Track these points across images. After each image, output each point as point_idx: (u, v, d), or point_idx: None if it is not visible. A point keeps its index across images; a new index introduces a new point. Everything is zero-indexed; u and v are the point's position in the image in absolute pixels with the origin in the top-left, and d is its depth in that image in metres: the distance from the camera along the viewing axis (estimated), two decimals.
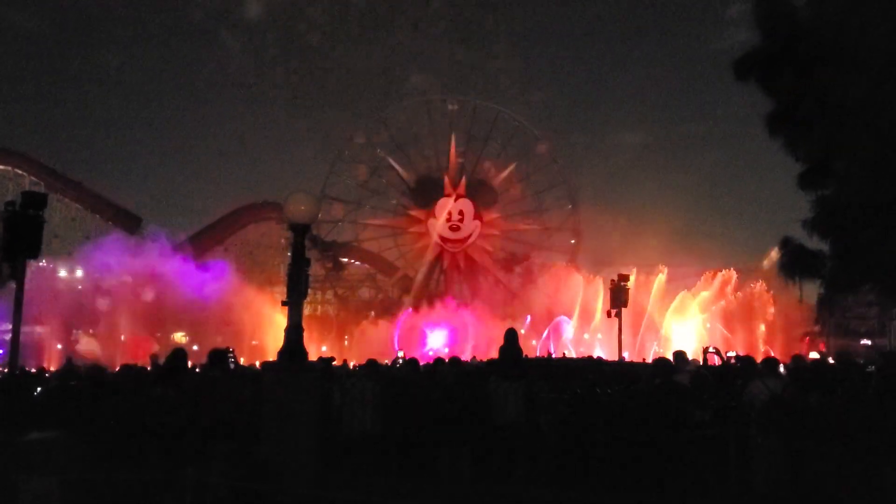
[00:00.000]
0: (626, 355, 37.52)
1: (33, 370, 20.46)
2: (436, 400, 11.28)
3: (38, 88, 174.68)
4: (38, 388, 14.36)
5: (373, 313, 66.20)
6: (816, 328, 58.28)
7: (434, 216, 69.26)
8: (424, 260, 70.62)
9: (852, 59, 14.48)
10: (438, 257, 70.54)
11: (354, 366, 23.62)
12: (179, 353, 11.98)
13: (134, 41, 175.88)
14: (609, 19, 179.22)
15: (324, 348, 53.38)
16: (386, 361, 27.65)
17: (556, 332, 57.39)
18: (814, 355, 34.55)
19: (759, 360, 14.16)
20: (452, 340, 54.75)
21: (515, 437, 11.18)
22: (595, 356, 33.44)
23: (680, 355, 13.80)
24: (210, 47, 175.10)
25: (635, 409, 10.48)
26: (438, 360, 14.77)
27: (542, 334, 56.45)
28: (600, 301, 53.70)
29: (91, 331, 49.49)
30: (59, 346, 46.27)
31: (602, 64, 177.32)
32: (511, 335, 12.38)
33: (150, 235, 57.15)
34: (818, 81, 15.11)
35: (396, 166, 72.36)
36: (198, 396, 10.38)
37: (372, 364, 13.94)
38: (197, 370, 15.40)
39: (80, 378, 12.94)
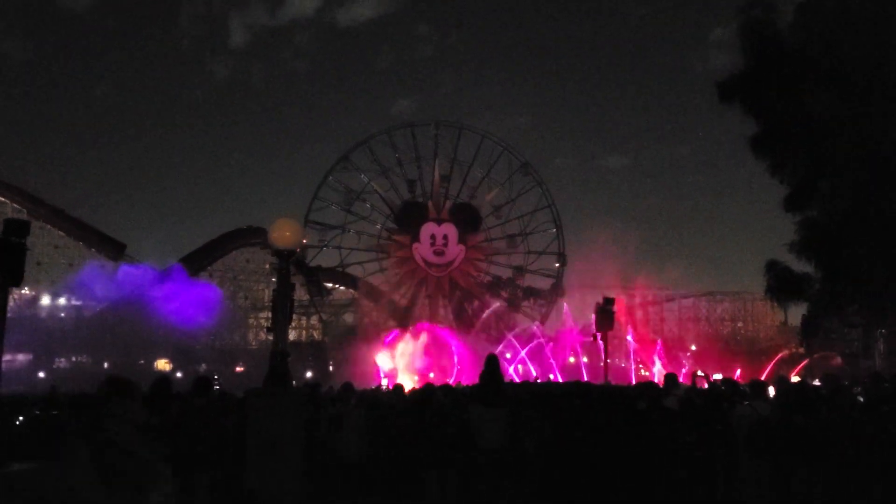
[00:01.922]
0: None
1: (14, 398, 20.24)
2: (425, 425, 11.20)
3: (21, 115, 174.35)
4: (20, 418, 14.18)
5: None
6: (801, 350, 58.70)
7: (419, 241, 69.27)
8: (409, 285, 70.59)
9: (837, 81, 14.65)
10: (423, 282, 70.45)
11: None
12: (163, 381, 11.86)
13: (119, 69, 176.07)
14: (593, 44, 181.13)
15: (309, 374, 53.06)
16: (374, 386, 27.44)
17: (538, 354, 57.36)
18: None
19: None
20: (431, 365, 54.57)
21: (501, 461, 11.11)
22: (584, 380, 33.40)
23: (671, 378, 13.80)
24: (196, 75, 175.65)
25: (623, 432, 10.45)
26: (427, 385, 14.69)
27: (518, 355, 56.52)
28: None
29: (74, 358, 49.07)
30: (42, 374, 45.81)
31: (586, 88, 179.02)
32: (492, 360, 12.23)
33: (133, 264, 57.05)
34: (803, 103, 15.28)
35: (380, 191, 72.45)
36: (182, 424, 10.27)
37: (349, 387, 13.88)
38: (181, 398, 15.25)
39: (62, 406, 12.79)
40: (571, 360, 58.80)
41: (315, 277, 67.82)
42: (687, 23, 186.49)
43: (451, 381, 42.97)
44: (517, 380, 38.66)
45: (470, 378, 45.59)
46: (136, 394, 5.69)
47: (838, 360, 59.50)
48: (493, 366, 12.03)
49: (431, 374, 48.30)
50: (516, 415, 11.51)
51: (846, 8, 15.56)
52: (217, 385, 12.03)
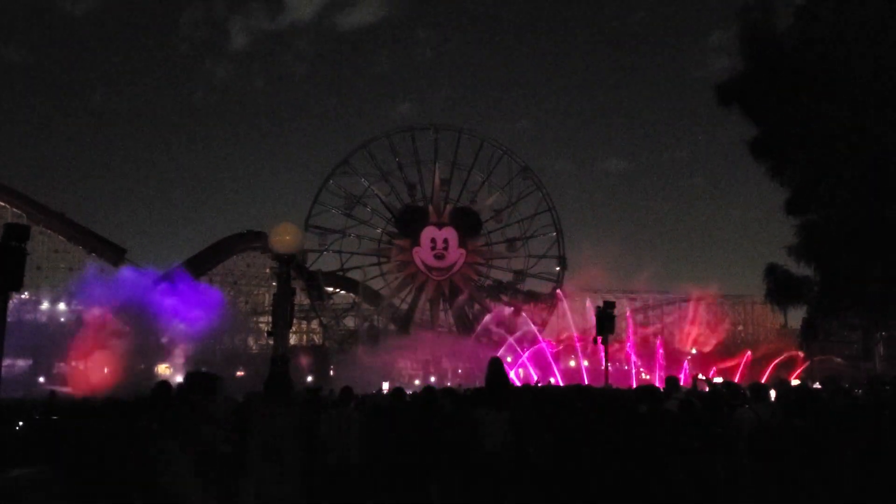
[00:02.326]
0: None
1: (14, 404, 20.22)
2: (429, 429, 11.17)
3: (21, 119, 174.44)
4: (20, 423, 14.17)
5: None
6: (801, 353, 58.76)
7: (419, 245, 69.27)
8: (410, 289, 70.63)
9: (836, 85, 14.66)
10: (423, 286, 70.43)
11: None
12: (164, 386, 11.85)
13: (119, 73, 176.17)
14: (593, 48, 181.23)
15: (309, 378, 53.01)
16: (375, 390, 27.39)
17: (539, 358, 57.37)
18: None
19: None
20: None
21: (503, 465, 11.08)
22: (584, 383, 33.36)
23: (672, 381, 13.80)
24: (196, 78, 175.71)
25: (624, 436, 10.44)
26: (427, 388, 14.67)
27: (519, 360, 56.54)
28: None
29: (74, 363, 49.00)
30: (42, 380, 45.78)
31: (586, 92, 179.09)
32: (497, 364, 12.26)
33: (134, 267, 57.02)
34: (802, 106, 15.29)
35: (381, 195, 72.48)
36: (183, 429, 10.25)
37: (348, 392, 13.83)
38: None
39: (62, 411, 12.78)
40: (572, 363, 58.78)
41: (315, 282, 67.81)
42: (686, 27, 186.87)
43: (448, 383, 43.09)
44: (518, 383, 38.65)
45: (470, 381, 45.67)
46: (221, 390, 5.55)
47: (838, 362, 59.58)
48: (497, 369, 12.04)
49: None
50: (520, 418, 11.50)
51: (845, 12, 15.58)
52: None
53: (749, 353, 60.53)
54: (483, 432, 11.12)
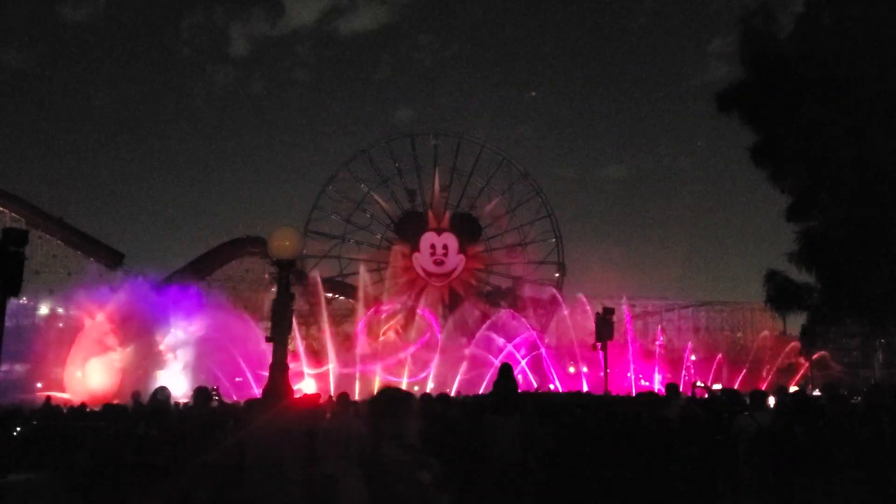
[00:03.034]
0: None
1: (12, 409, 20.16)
2: (435, 436, 11.12)
3: (20, 124, 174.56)
4: (18, 429, 14.13)
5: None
6: (800, 359, 58.76)
7: (419, 250, 69.27)
8: (409, 295, 70.54)
9: (837, 92, 14.67)
10: (423, 291, 70.38)
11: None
12: (162, 392, 11.83)
13: (119, 78, 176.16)
14: (593, 54, 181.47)
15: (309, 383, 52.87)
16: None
17: (538, 364, 57.29)
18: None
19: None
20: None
21: (506, 472, 11.04)
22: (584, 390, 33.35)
23: (672, 388, 13.76)
24: (197, 84, 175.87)
25: (623, 442, 10.41)
26: (425, 395, 14.64)
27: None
28: None
29: (72, 369, 48.85)
30: (40, 385, 45.65)
31: (586, 98, 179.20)
32: (506, 369, 12.26)
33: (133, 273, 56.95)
34: (803, 114, 15.29)
35: (380, 201, 72.52)
36: (181, 435, 10.24)
37: (345, 398, 13.78)
38: (180, 408, 15.21)
39: (60, 418, 12.75)
40: (571, 369, 58.72)
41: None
42: (686, 34, 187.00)
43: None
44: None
45: (470, 387, 45.61)
46: (412, 409, 5.09)
47: (837, 369, 59.58)
48: (507, 375, 12.01)
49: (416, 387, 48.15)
50: (525, 425, 11.46)
51: (845, 18, 15.62)
52: (216, 396, 11.98)
53: (720, 355, 60.58)
54: (493, 439, 11.07)
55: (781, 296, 17.44)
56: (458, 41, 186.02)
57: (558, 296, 68.23)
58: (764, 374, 60.21)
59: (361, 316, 60.35)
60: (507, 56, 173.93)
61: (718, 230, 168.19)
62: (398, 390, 5.19)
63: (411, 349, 55.56)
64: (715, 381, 52.44)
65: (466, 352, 55.75)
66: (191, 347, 48.62)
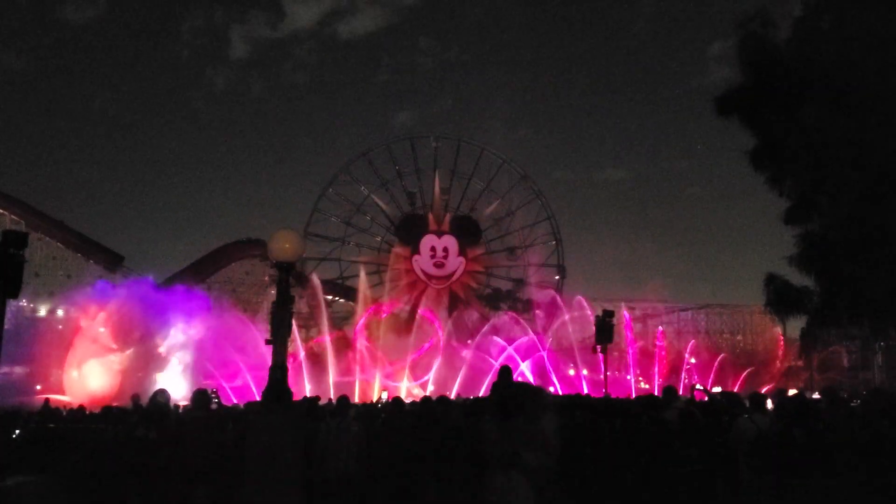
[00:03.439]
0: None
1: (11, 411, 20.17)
2: (434, 440, 11.11)
3: (20, 126, 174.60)
4: (17, 431, 14.13)
5: None
6: (800, 362, 58.76)
7: (419, 253, 69.26)
8: (409, 297, 70.51)
9: (836, 96, 14.67)
10: (423, 294, 70.36)
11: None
12: (161, 395, 11.83)
13: (119, 80, 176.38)
14: (593, 57, 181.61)
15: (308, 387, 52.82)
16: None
17: (538, 366, 57.23)
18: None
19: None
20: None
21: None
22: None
23: (670, 391, 13.75)
24: (197, 86, 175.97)
25: (623, 444, 10.41)
26: (426, 398, 14.65)
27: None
28: None
29: (71, 371, 48.82)
30: (39, 387, 45.62)
31: (586, 101, 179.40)
32: (506, 372, 12.29)
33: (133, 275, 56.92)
34: (802, 117, 15.29)
35: (381, 203, 72.54)
36: (180, 438, 10.23)
37: (345, 401, 13.76)
38: (180, 410, 15.22)
39: (59, 420, 12.75)
40: (571, 372, 58.67)
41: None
42: (686, 37, 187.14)
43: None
44: None
45: (469, 390, 45.56)
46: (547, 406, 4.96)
47: (837, 372, 59.59)
48: (507, 377, 12.02)
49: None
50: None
51: (844, 22, 15.63)
52: (215, 398, 11.99)
53: (738, 382, 60.48)
54: (494, 442, 11.04)
55: (781, 299, 17.42)
56: (458, 44, 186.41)
57: (558, 298, 68.25)
58: (763, 376, 60.20)
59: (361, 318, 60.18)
60: (508, 59, 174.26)
61: (718, 233, 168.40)
62: (527, 384, 4.98)
63: (414, 355, 55.39)
64: (714, 384, 52.43)
65: (466, 353, 55.67)
66: (190, 350, 48.56)
